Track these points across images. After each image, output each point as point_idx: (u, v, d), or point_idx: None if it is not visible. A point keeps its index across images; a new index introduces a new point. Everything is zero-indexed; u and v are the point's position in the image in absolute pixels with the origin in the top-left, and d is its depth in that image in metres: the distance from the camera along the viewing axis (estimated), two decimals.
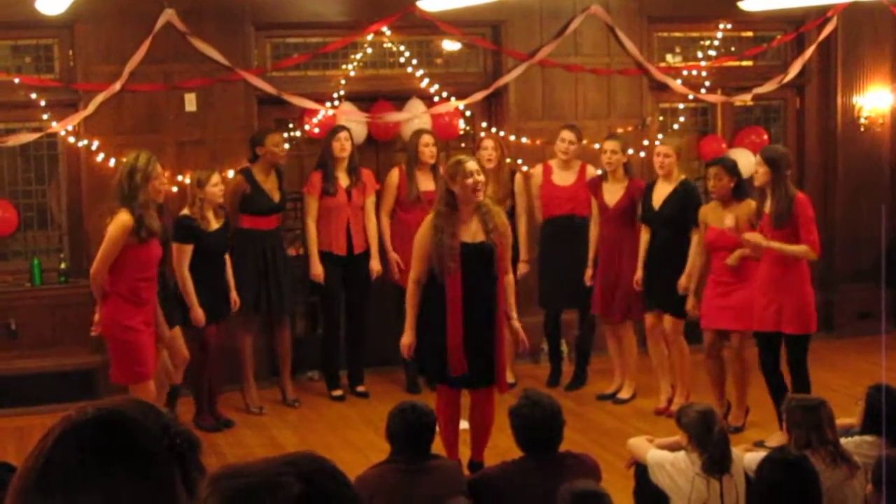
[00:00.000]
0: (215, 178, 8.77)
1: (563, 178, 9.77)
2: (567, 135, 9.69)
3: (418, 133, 9.84)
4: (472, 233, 7.29)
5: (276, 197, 9.45)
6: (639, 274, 9.17)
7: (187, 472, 1.84)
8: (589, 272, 9.55)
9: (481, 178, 7.30)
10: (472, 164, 7.28)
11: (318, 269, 9.58)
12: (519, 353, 7.57)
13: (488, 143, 9.79)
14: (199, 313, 8.66)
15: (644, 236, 9.18)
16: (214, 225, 8.82)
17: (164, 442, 1.83)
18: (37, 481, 1.80)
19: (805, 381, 8.05)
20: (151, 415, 1.87)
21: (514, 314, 7.61)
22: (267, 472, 1.89)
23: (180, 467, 1.84)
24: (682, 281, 8.80)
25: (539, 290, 9.92)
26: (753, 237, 8.05)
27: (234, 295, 9.05)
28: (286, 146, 9.65)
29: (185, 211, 8.75)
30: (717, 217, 8.53)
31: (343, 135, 9.57)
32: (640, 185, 9.34)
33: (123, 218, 7.41)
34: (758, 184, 8.13)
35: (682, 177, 9.12)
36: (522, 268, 9.72)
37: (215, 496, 1.85)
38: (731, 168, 8.56)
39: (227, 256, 9.03)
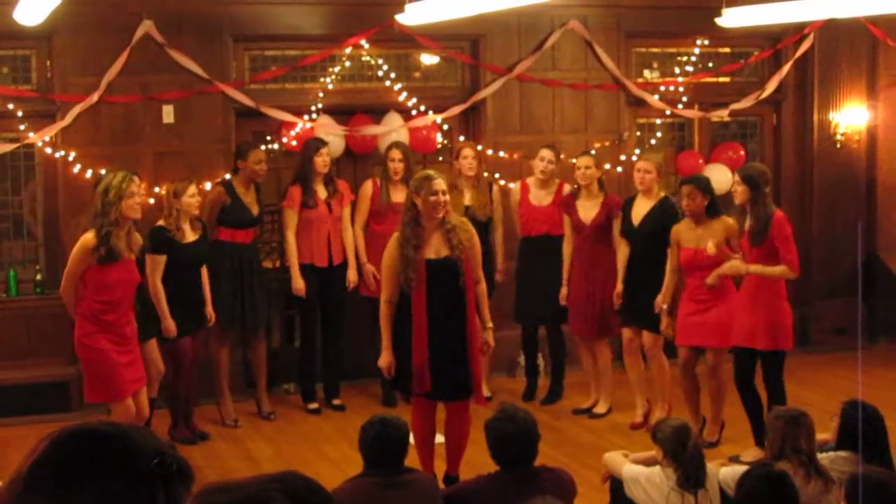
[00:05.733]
0: (191, 189, 8.74)
1: (540, 197, 9.77)
2: (547, 154, 9.69)
3: (389, 147, 9.88)
4: (436, 249, 7.28)
5: (255, 210, 9.45)
6: (619, 288, 9.17)
7: (173, 497, 1.84)
8: (563, 291, 9.55)
9: (446, 198, 7.28)
10: (439, 183, 7.27)
11: (299, 284, 9.56)
12: (482, 351, 7.54)
13: (468, 152, 9.81)
14: (170, 324, 8.59)
15: (624, 251, 9.18)
16: (190, 237, 8.78)
17: (155, 464, 1.84)
18: (27, 476, 1.82)
19: (781, 398, 8.06)
20: (149, 439, 1.89)
21: (490, 323, 7.61)
22: (253, 489, 1.90)
23: (165, 493, 1.84)
24: (658, 300, 8.79)
25: (515, 307, 9.93)
26: (733, 266, 8.14)
27: (209, 309, 9.02)
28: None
29: (161, 222, 8.71)
30: (690, 237, 8.52)
31: (325, 150, 9.58)
32: (615, 200, 9.35)
33: (86, 237, 7.37)
34: (738, 202, 8.16)
35: (663, 193, 9.13)
36: (499, 277, 9.81)
37: None
38: (705, 186, 8.54)
39: (203, 269, 9.00)
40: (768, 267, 8.02)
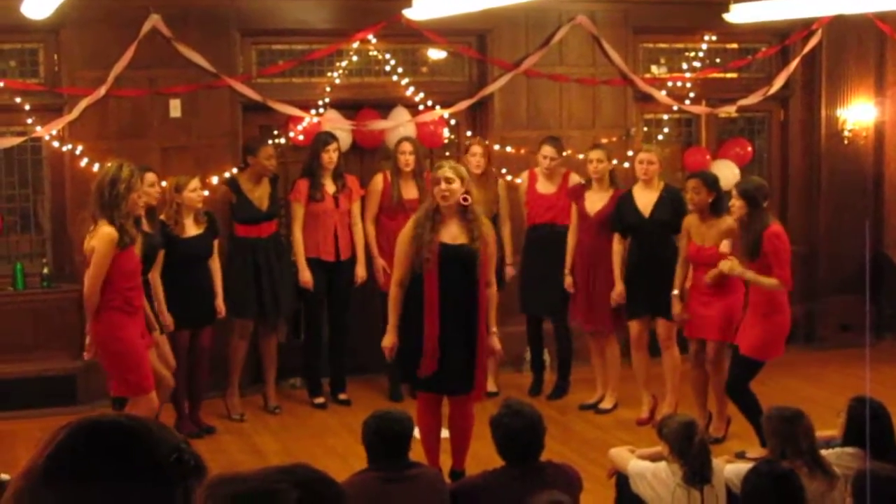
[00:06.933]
0: (194, 183, 8.74)
1: (546, 186, 9.78)
2: (548, 151, 9.67)
3: (399, 141, 9.88)
4: (453, 235, 7.29)
5: (265, 205, 9.41)
6: (619, 287, 9.17)
7: (189, 492, 1.85)
8: (568, 280, 9.54)
9: (454, 185, 7.28)
10: (444, 171, 7.31)
11: (307, 276, 9.56)
12: (499, 362, 7.56)
13: (476, 149, 9.81)
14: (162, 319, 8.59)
15: (617, 247, 9.18)
16: (192, 231, 8.78)
17: (174, 458, 1.84)
18: (44, 467, 1.81)
19: (736, 395, 8.14)
20: (168, 434, 1.89)
21: (494, 328, 7.59)
22: (263, 480, 1.90)
23: (183, 487, 1.84)
24: (676, 288, 8.79)
25: (520, 296, 9.92)
26: (732, 267, 8.11)
27: (219, 302, 9.01)
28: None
29: (161, 216, 8.70)
30: (698, 232, 8.53)
31: (333, 146, 9.56)
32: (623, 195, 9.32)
33: (107, 231, 7.27)
34: (735, 217, 8.14)
35: (662, 182, 9.14)
36: (510, 271, 9.81)
37: (212, 502, 1.85)
38: (712, 182, 8.54)
39: (211, 263, 8.98)
40: (762, 276, 8.02)
